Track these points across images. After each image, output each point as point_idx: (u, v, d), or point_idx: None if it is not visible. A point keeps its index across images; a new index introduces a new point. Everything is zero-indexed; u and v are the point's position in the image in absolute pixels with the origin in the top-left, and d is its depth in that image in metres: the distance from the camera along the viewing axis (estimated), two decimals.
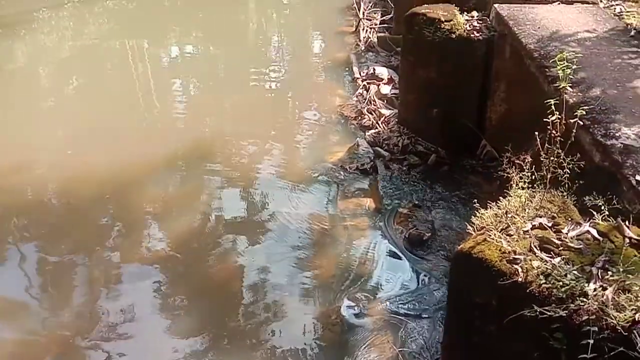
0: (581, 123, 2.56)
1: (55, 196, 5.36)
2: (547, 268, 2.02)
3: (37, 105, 7.53)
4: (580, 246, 2.15)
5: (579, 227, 2.25)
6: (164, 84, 8.28)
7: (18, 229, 4.85)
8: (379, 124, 6.09)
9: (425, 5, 5.20)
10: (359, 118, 6.40)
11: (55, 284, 4.18)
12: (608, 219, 2.29)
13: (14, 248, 4.59)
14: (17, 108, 7.36)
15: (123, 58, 9.47)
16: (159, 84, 8.29)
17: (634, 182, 2.51)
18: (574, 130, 2.33)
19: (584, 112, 2.45)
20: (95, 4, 12.73)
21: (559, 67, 2.29)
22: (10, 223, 4.85)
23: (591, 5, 4.92)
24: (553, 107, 2.20)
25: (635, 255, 2.05)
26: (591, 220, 2.28)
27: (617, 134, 2.88)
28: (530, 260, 2.07)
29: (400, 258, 4.18)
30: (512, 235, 2.21)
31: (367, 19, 9.71)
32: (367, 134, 5.97)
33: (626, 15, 4.80)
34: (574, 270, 2.00)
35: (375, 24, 9.43)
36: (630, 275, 1.94)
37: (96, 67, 9.09)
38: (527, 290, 1.99)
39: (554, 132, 2.23)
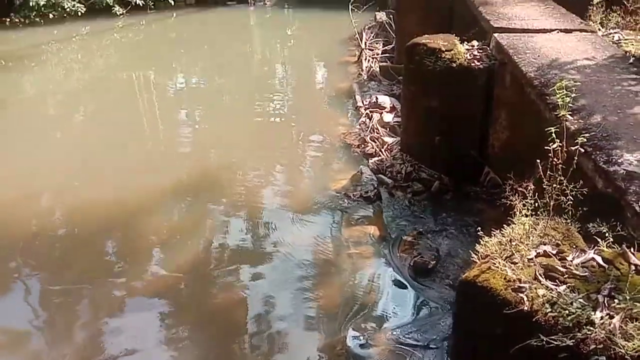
0: (582, 150, 2.57)
1: (61, 226, 5.38)
2: (552, 296, 2.00)
3: (45, 135, 7.64)
4: (586, 274, 2.14)
5: (583, 254, 2.25)
6: (170, 114, 8.40)
7: (23, 260, 4.84)
8: (382, 152, 6.13)
9: (426, 35, 5.29)
10: (362, 146, 6.45)
11: (59, 315, 4.15)
12: (613, 246, 2.28)
13: (18, 278, 4.58)
14: (24, 139, 7.46)
15: (130, 89, 9.64)
16: (165, 114, 8.40)
17: (637, 209, 2.50)
18: (576, 157, 2.34)
19: (585, 140, 2.46)
20: (103, 37, 13.04)
21: (558, 96, 2.31)
22: (15, 253, 4.85)
23: (589, 33, 4.98)
24: (554, 134, 2.22)
25: None
26: (596, 248, 2.27)
27: (619, 161, 2.87)
28: (536, 288, 2.06)
29: (405, 287, 4.13)
30: (517, 263, 2.20)
31: (369, 49, 9.88)
32: (370, 161, 5.99)
33: (624, 43, 4.87)
34: (580, 298, 1.99)
35: (377, 54, 9.59)
36: (637, 304, 1.93)
37: (103, 98, 9.25)
38: (533, 319, 1.97)
39: (555, 159, 2.24)
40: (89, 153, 6.91)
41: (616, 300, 1.96)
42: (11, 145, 7.23)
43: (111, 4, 14.10)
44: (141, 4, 14.59)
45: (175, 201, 5.70)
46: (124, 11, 14.31)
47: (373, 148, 6.27)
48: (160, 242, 4.99)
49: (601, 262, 2.19)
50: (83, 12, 13.80)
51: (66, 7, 13.51)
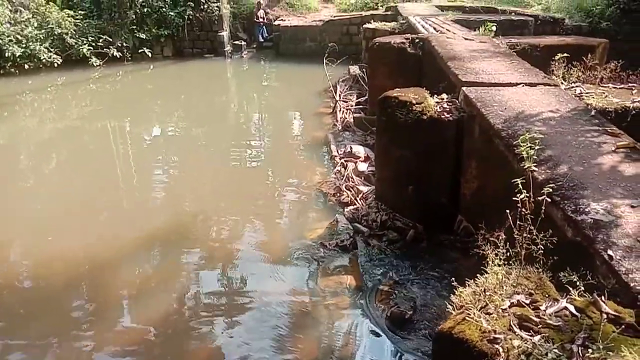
0: (551, 200, 2.64)
1: (28, 279, 5.19)
2: (527, 347, 2.00)
3: (15, 185, 7.48)
4: (559, 323, 2.15)
5: (556, 303, 2.27)
6: (144, 164, 8.35)
7: None
8: (357, 201, 6.18)
9: (397, 88, 5.47)
10: (338, 194, 6.49)
11: None
12: (584, 294, 2.31)
13: None
14: None
15: (104, 139, 9.60)
16: (139, 163, 8.35)
17: (606, 257, 2.55)
18: (543, 207, 2.40)
19: (552, 190, 2.53)
20: (79, 87, 13.07)
21: (522, 148, 2.39)
22: None
23: (553, 87, 5.20)
24: (520, 185, 2.28)
25: (614, 332, 2.05)
26: (568, 297, 2.30)
27: (586, 209, 2.95)
28: (511, 339, 2.05)
29: (382, 338, 4.08)
30: (492, 313, 2.20)
31: (343, 101, 10.13)
32: (346, 210, 6.03)
33: (586, 96, 5.10)
34: (555, 348, 1.99)
35: (351, 106, 9.84)
36: (610, 352, 1.94)
37: (77, 148, 9.17)
38: None
39: (523, 209, 2.29)
40: (60, 203, 6.78)
41: (590, 350, 1.97)
42: None
43: (88, 56, 14.25)
44: (118, 56, 14.79)
45: (148, 252, 5.59)
46: (101, 62, 14.46)
47: (348, 197, 6.32)
48: (132, 294, 4.86)
49: (574, 311, 2.21)
50: (59, 63, 13.90)
51: (42, 58, 13.59)
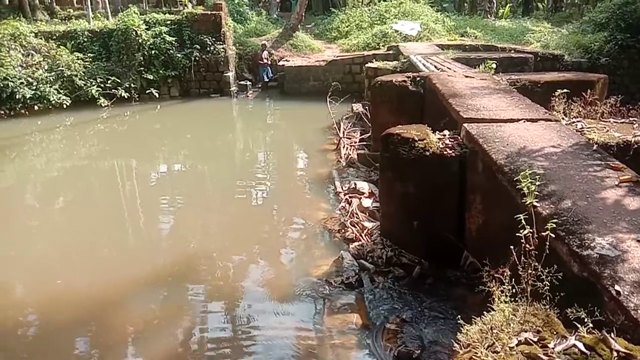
0: (554, 235, 2.64)
1: (31, 320, 5.16)
2: None
3: (21, 224, 7.52)
4: None
5: (565, 341, 2.23)
6: (151, 202, 8.40)
7: None
8: (362, 237, 6.16)
9: (400, 125, 5.54)
10: (343, 231, 6.48)
11: None
12: (593, 331, 2.27)
13: None
14: (1, 228, 7.33)
15: (111, 177, 9.70)
16: (146, 201, 8.41)
17: (614, 293, 2.52)
18: (547, 243, 2.39)
19: (555, 225, 2.53)
20: (87, 127, 13.30)
21: (523, 184, 2.41)
22: None
23: (554, 122, 5.25)
24: (523, 221, 2.29)
25: None
26: (576, 334, 2.26)
27: (592, 244, 2.93)
28: None
29: None
30: (499, 352, 2.17)
31: (347, 138, 10.25)
32: (351, 246, 6.00)
33: (587, 131, 5.13)
34: None
35: (355, 142, 9.95)
36: None
37: (84, 187, 9.26)
38: None
39: (527, 245, 2.29)
40: (66, 243, 6.80)
41: None
42: None
43: (96, 97, 14.56)
44: (126, 97, 15.11)
45: (153, 291, 5.56)
46: (109, 103, 14.76)
47: (353, 233, 6.31)
48: (136, 333, 4.81)
49: (583, 349, 2.17)
50: (68, 104, 14.20)
51: (52, 99, 13.90)
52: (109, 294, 5.37)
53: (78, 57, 14.83)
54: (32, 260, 6.30)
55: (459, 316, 2.61)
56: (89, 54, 15.30)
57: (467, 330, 2.37)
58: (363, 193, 7.42)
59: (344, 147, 9.82)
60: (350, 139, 10.26)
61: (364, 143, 9.80)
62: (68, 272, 5.93)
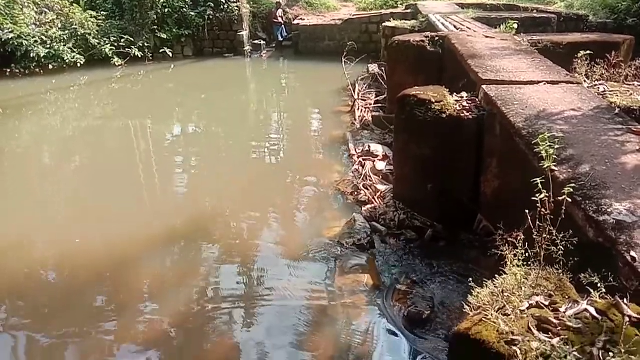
0: (571, 200, 2.59)
1: (51, 276, 5.30)
2: (546, 349, 1.96)
3: (38, 183, 7.65)
4: (579, 325, 2.11)
5: (576, 305, 2.22)
6: (165, 162, 8.46)
7: (11, 309, 4.75)
8: (375, 199, 6.15)
9: (416, 87, 5.43)
10: (356, 193, 6.48)
11: None
12: (606, 296, 2.26)
13: (5, 328, 4.47)
14: (18, 187, 7.47)
15: (126, 137, 9.75)
16: (160, 161, 8.46)
17: (629, 259, 2.50)
18: (564, 208, 2.35)
19: (572, 190, 2.48)
20: (101, 87, 13.29)
21: (541, 148, 2.35)
22: (3, 303, 4.76)
23: (575, 85, 5.11)
24: (540, 185, 2.24)
25: (637, 335, 2.00)
26: (589, 299, 2.25)
27: (608, 210, 2.89)
28: (529, 341, 2.02)
29: (399, 338, 4.06)
30: (509, 315, 2.17)
31: (362, 100, 10.11)
32: (363, 209, 6.01)
33: (609, 95, 4.99)
34: (574, 351, 1.95)
35: (370, 104, 9.81)
36: (632, 357, 1.89)
37: (99, 146, 9.33)
38: None
39: (543, 210, 2.25)
40: (82, 201, 6.91)
41: (611, 354, 1.93)
42: (4, 193, 7.22)
43: (110, 56, 14.48)
44: (140, 56, 15.00)
45: (168, 249, 5.65)
46: (123, 62, 14.68)
47: (366, 195, 6.30)
48: (152, 291, 4.92)
49: (594, 314, 2.16)
50: (82, 63, 14.15)
51: (66, 58, 13.85)
52: (125, 253, 5.47)
53: (91, 15, 14.68)
54: (49, 219, 6.43)
55: (471, 279, 2.61)
56: (102, 12, 15.14)
57: (478, 292, 2.37)
58: (377, 155, 7.36)
59: (358, 109, 9.70)
60: (365, 100, 10.12)
61: (379, 105, 9.66)
62: (85, 230, 6.04)
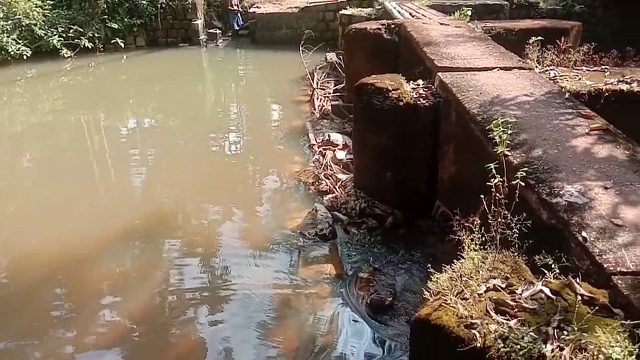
0: (524, 184, 2.65)
1: (4, 277, 5.07)
2: (504, 331, 2.00)
3: None
4: (535, 306, 2.16)
5: (532, 286, 2.28)
6: (121, 156, 8.20)
7: None
8: (336, 189, 6.16)
9: (374, 75, 5.43)
10: (317, 183, 6.46)
11: None
12: (559, 276, 2.32)
13: None
14: None
15: (78, 131, 9.39)
16: (115, 156, 8.19)
17: (580, 239, 2.57)
18: (517, 192, 2.40)
19: (525, 174, 2.53)
20: (50, 80, 12.74)
21: (495, 133, 2.38)
22: None
23: (527, 70, 5.22)
24: (494, 170, 2.28)
25: (589, 313, 2.07)
26: (543, 279, 2.31)
27: (560, 192, 2.97)
28: (487, 324, 2.06)
29: (363, 325, 4.09)
30: (468, 299, 2.20)
31: (320, 89, 10.06)
32: (325, 198, 6.00)
33: (560, 79, 5.14)
34: (531, 331, 2.00)
35: (329, 93, 9.78)
36: (585, 334, 1.95)
37: (50, 142, 8.96)
38: (487, 356, 1.96)
39: (497, 194, 2.29)
40: (34, 199, 6.62)
41: (565, 332, 1.99)
42: None
43: (59, 47, 13.88)
44: (90, 47, 14.45)
45: (127, 245, 5.50)
46: (73, 54, 14.11)
47: (327, 185, 6.30)
48: (112, 288, 4.79)
49: (549, 294, 2.22)
50: (29, 55, 13.52)
51: (10, 50, 13.19)
52: (83, 248, 5.30)
53: (36, 4, 13.98)
54: (1, 219, 6.13)
55: (430, 265, 2.64)
56: (48, 1, 14.45)
57: (437, 278, 2.40)
58: (337, 145, 7.36)
59: (317, 98, 9.65)
60: (324, 89, 10.08)
61: (338, 94, 9.65)
62: (39, 228, 5.80)
